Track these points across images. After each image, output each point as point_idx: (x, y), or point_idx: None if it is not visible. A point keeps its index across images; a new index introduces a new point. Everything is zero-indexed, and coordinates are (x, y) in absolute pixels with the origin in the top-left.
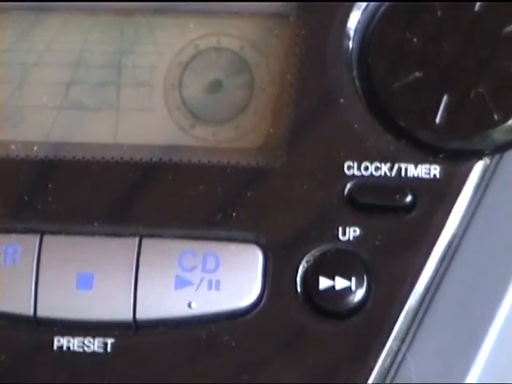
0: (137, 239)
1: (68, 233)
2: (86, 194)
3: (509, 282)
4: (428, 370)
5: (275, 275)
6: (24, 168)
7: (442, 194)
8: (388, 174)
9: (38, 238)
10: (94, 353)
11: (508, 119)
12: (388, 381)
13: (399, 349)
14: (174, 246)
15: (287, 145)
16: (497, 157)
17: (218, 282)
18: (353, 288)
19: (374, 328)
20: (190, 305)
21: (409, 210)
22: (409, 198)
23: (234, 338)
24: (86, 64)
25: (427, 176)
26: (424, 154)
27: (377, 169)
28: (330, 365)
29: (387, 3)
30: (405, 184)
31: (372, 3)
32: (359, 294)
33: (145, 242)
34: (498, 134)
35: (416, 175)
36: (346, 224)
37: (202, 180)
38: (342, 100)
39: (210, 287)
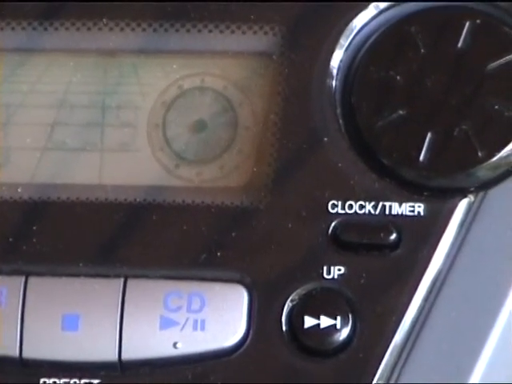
0: (122, 280)
1: (53, 274)
2: (71, 235)
3: (494, 318)
4: None
5: (260, 314)
6: (8, 209)
7: (426, 232)
8: (372, 212)
9: (23, 279)
10: None
11: (492, 156)
12: None
13: None
14: (159, 286)
15: (271, 184)
16: (481, 194)
17: (203, 322)
18: (338, 326)
19: (359, 366)
20: (175, 345)
21: (393, 248)
22: (393, 236)
23: (219, 377)
24: (69, 105)
25: (411, 214)
26: (408, 191)
27: (361, 207)
28: None
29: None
30: (389, 222)
31: (354, 43)
32: (344, 333)
33: (130, 282)
34: (483, 172)
35: (400, 213)
36: (330, 263)
37: (187, 220)
38: (325, 139)
39: (195, 327)
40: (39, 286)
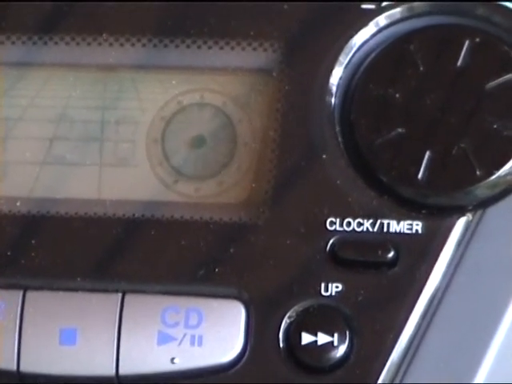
0: (120, 295)
1: (51, 288)
2: (69, 249)
3: (491, 337)
4: None
5: (258, 331)
6: (7, 223)
7: (424, 250)
8: (370, 229)
9: (21, 293)
10: None
11: (490, 175)
12: None
13: None
14: (157, 301)
15: (270, 200)
16: (479, 212)
17: (200, 338)
18: (335, 343)
19: (356, 383)
20: (172, 360)
21: (391, 266)
22: (391, 254)
23: None
24: (69, 119)
25: (409, 232)
26: (406, 209)
27: (359, 225)
28: None
29: (368, 60)
30: (387, 240)
31: (353, 60)
32: (341, 350)
33: (127, 297)
34: (481, 190)
35: (398, 231)
36: (328, 280)
37: (185, 236)
38: (324, 156)
39: (192, 343)
40: (37, 300)
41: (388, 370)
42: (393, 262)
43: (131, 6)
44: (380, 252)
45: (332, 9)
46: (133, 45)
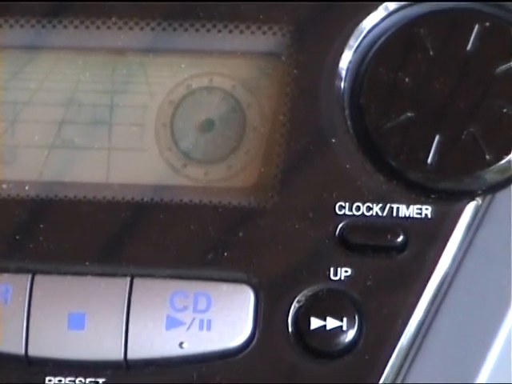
0: (128, 279)
1: (59, 272)
2: (78, 233)
3: (500, 321)
4: None
5: (266, 315)
6: (15, 207)
7: (433, 234)
8: (380, 214)
9: (29, 277)
10: None
11: (500, 159)
12: None
13: None
14: (166, 285)
15: (279, 185)
16: (488, 197)
17: (209, 322)
18: (344, 328)
19: (365, 368)
20: (181, 345)
21: (400, 250)
22: (400, 238)
23: (225, 378)
24: (78, 103)
25: (419, 216)
26: (416, 194)
27: (368, 209)
28: None
29: (378, 44)
30: (396, 224)
31: (363, 44)
32: (350, 334)
33: (136, 281)
34: (490, 175)
35: (408, 215)
36: (337, 264)
37: (194, 220)
38: (333, 140)
39: (201, 327)
40: (45, 284)
41: (397, 355)
42: (402, 247)
43: None
44: (389, 236)
45: None
46: (142, 28)
